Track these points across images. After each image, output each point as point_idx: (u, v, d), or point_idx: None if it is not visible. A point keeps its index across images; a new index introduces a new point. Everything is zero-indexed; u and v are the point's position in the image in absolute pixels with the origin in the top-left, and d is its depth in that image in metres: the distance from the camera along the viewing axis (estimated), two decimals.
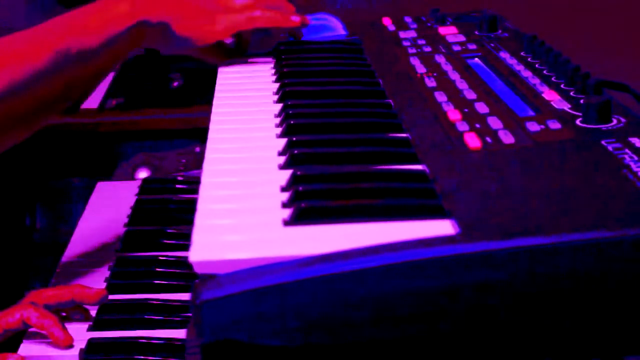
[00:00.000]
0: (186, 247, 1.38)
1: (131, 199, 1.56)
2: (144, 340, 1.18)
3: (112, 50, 1.31)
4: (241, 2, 1.34)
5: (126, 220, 1.51)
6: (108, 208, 1.55)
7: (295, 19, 1.36)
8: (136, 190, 1.60)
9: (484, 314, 0.80)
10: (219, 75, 1.33)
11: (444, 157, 0.97)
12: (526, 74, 1.19)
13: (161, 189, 1.60)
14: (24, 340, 1.20)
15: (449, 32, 1.43)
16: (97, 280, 1.33)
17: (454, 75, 1.22)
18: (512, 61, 1.25)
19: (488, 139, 1.00)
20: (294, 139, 1.03)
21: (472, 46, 1.35)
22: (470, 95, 1.14)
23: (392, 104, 1.15)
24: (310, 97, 1.18)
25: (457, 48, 1.35)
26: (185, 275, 1.32)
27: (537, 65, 1.22)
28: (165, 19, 1.31)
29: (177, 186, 1.59)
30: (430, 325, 0.80)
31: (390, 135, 1.06)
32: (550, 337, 0.80)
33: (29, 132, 1.32)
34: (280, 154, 1.02)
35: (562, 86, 1.14)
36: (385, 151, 1.00)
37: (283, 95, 1.19)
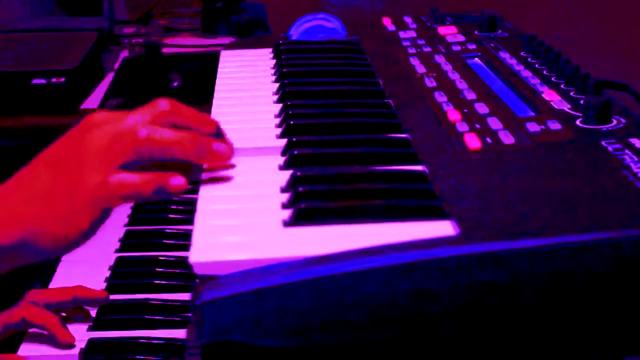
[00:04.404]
0: (186, 247, 1.38)
1: None
2: (144, 340, 1.19)
3: None
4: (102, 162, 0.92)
5: (126, 220, 1.51)
6: None
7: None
8: None
9: (484, 315, 0.80)
10: (218, 75, 1.33)
11: (444, 157, 0.97)
12: (526, 74, 1.19)
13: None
14: (24, 341, 1.20)
15: (448, 32, 1.43)
16: (97, 280, 1.33)
17: (454, 76, 1.22)
18: (512, 61, 1.25)
19: (488, 140, 0.99)
20: (294, 139, 1.03)
21: (472, 46, 1.35)
22: (470, 95, 1.13)
23: (392, 104, 1.15)
24: (310, 97, 1.18)
25: (456, 48, 1.35)
26: (185, 275, 1.32)
27: (537, 66, 1.22)
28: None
29: None
30: (430, 326, 0.80)
31: (390, 135, 1.06)
32: (551, 337, 0.80)
33: None
34: (280, 154, 1.02)
35: (562, 86, 1.14)
36: (385, 152, 1.00)
37: (283, 96, 1.19)
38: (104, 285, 1.32)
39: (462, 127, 1.03)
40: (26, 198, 0.92)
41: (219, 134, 0.96)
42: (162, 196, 0.92)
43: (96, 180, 0.91)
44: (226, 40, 2.07)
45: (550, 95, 1.11)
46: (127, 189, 0.91)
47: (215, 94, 1.24)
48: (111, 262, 1.38)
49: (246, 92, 1.25)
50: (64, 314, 1.23)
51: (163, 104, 0.94)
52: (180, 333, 1.20)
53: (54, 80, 1.83)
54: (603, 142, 0.96)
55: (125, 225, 1.49)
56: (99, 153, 0.91)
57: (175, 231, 1.45)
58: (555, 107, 1.07)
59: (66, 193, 0.92)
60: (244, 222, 0.87)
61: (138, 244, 1.43)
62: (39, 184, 0.92)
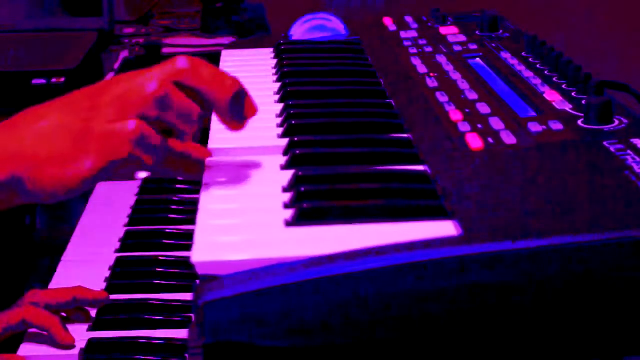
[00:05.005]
0: (186, 247, 1.39)
1: (131, 199, 1.56)
2: (144, 340, 1.18)
3: None
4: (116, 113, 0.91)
5: (126, 220, 1.50)
6: (108, 208, 1.55)
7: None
8: (136, 190, 1.60)
9: (485, 315, 0.80)
10: None
11: (445, 157, 0.97)
12: (527, 74, 1.19)
13: (161, 189, 1.60)
14: (24, 341, 1.20)
15: (449, 32, 1.43)
16: (97, 280, 1.33)
17: (455, 76, 1.22)
18: (513, 61, 1.25)
19: (490, 140, 0.99)
20: (296, 139, 1.03)
21: (473, 46, 1.35)
22: (472, 95, 1.13)
23: (394, 104, 1.15)
24: (312, 97, 1.18)
25: (458, 48, 1.34)
26: (185, 275, 1.32)
27: (538, 66, 1.22)
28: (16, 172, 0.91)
29: (177, 186, 1.59)
30: (432, 326, 0.80)
31: (392, 135, 1.06)
32: (551, 337, 0.80)
33: None
34: (282, 154, 1.02)
35: (563, 87, 1.14)
36: (387, 152, 1.00)
37: (284, 95, 1.19)
38: (104, 285, 1.32)
39: (463, 127, 1.03)
40: (26, 135, 0.90)
41: (238, 98, 0.95)
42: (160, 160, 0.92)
43: (106, 126, 0.89)
44: (226, 40, 2.07)
45: (551, 96, 1.11)
46: (138, 137, 0.89)
47: None
48: (111, 262, 1.37)
49: None
50: (64, 314, 1.23)
51: (181, 62, 0.93)
52: (180, 333, 1.20)
53: (54, 80, 1.83)
54: (605, 143, 0.96)
55: (125, 225, 1.49)
56: (112, 102, 0.90)
57: (175, 231, 1.45)
58: (557, 107, 1.07)
59: (70, 134, 0.89)
60: (245, 221, 0.87)
61: (138, 244, 1.43)
62: (43, 122, 0.91)
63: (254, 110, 0.97)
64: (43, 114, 0.92)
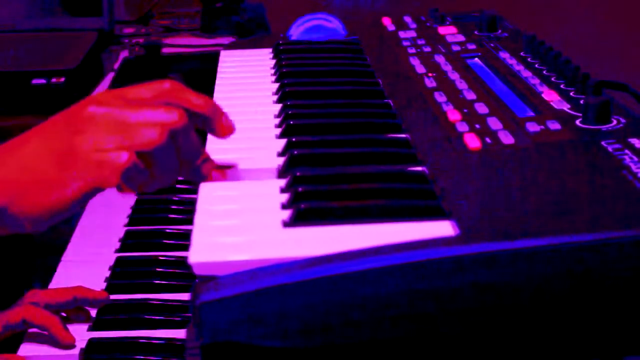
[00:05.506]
0: (186, 247, 1.38)
1: (131, 199, 1.57)
2: (144, 340, 1.19)
3: None
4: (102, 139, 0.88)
5: (126, 220, 1.51)
6: (108, 208, 1.55)
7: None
8: None
9: (484, 315, 0.80)
10: (218, 75, 1.33)
11: (443, 157, 0.97)
12: (526, 74, 1.19)
13: (161, 189, 1.60)
14: (24, 341, 1.20)
15: (448, 32, 1.43)
16: (97, 280, 1.33)
17: (454, 76, 1.22)
18: (511, 61, 1.25)
19: (488, 140, 0.99)
20: (294, 139, 1.03)
21: (472, 46, 1.35)
22: (470, 95, 1.13)
23: (392, 104, 1.15)
24: (310, 97, 1.18)
25: (456, 48, 1.35)
26: (185, 275, 1.32)
27: (536, 65, 1.22)
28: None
29: (177, 186, 1.59)
30: (430, 326, 0.80)
31: (390, 135, 1.06)
32: (551, 337, 0.80)
33: None
34: (280, 154, 1.02)
35: (561, 86, 1.14)
36: (385, 152, 1.00)
37: (283, 96, 1.19)
38: (104, 285, 1.32)
39: (461, 127, 1.04)
40: (8, 163, 0.89)
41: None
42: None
43: (95, 153, 0.87)
44: (226, 40, 2.07)
45: (550, 95, 1.11)
46: (127, 169, 0.88)
47: (215, 94, 1.24)
48: (111, 262, 1.38)
49: (246, 92, 1.25)
50: (64, 314, 1.23)
51: (166, 85, 0.95)
52: (180, 333, 1.20)
53: (54, 80, 1.83)
54: (603, 142, 0.96)
55: (125, 225, 1.49)
56: (106, 130, 0.88)
57: (175, 231, 1.45)
58: (555, 107, 1.07)
59: (53, 157, 0.88)
60: (243, 222, 0.87)
61: (138, 244, 1.43)
62: (25, 149, 0.90)
63: (230, 129, 0.96)
64: (24, 140, 0.91)
